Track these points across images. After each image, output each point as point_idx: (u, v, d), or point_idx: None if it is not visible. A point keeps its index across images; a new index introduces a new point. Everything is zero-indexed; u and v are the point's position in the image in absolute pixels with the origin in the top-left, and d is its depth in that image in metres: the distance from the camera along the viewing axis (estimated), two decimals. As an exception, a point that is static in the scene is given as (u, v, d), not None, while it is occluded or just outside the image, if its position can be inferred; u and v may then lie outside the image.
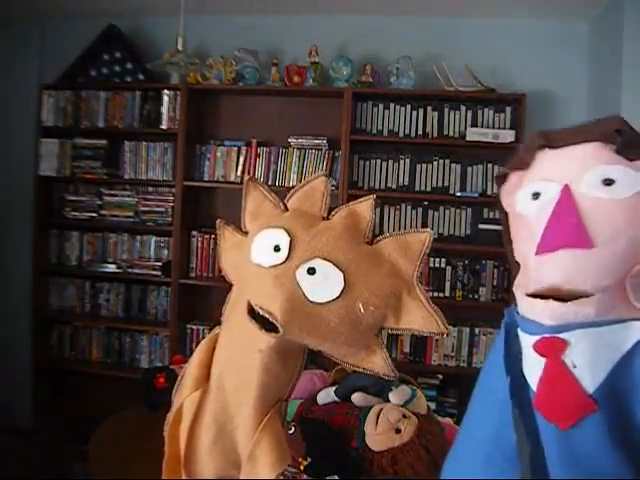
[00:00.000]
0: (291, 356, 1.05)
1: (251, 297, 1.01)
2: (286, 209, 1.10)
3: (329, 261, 0.98)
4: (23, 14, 3.30)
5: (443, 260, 2.99)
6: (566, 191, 0.76)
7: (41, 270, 3.29)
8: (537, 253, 0.77)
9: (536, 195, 0.81)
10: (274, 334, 0.96)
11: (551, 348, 0.75)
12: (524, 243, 0.82)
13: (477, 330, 2.96)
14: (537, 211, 0.79)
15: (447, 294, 2.99)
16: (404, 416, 1.46)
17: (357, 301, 0.97)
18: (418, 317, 0.98)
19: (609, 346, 0.73)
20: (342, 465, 1.39)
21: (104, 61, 3.18)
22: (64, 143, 3.21)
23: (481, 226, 2.94)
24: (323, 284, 0.97)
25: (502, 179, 0.92)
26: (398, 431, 1.43)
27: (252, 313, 1.00)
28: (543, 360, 0.76)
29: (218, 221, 1.20)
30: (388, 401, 1.58)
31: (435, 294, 2.98)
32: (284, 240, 1.00)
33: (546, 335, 0.75)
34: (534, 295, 0.77)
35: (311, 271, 0.97)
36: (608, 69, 2.71)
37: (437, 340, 2.96)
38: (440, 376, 2.96)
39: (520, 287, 0.81)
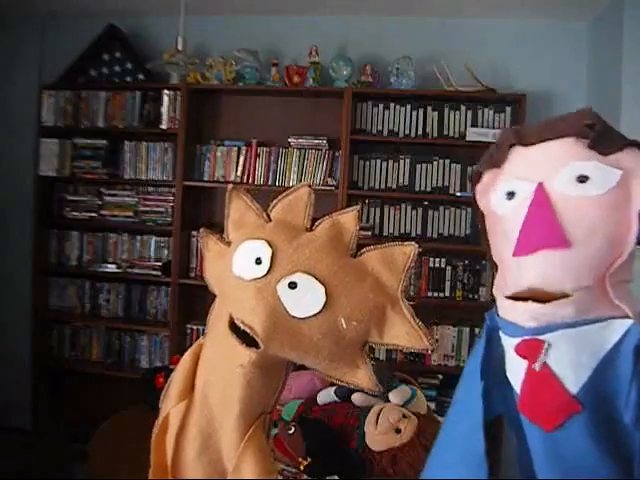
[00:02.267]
0: (273, 370, 1.03)
1: (233, 310, 0.99)
2: (269, 219, 1.08)
3: (311, 275, 0.95)
4: (23, 14, 3.30)
5: (443, 260, 2.99)
6: (540, 190, 0.74)
7: (41, 270, 3.29)
8: (515, 254, 0.75)
9: (510, 195, 0.79)
10: (255, 349, 0.95)
11: (532, 350, 0.74)
12: (501, 243, 0.81)
13: (477, 330, 2.96)
14: (512, 211, 0.78)
15: (447, 294, 2.99)
16: (404, 416, 1.46)
17: (339, 316, 0.94)
18: (402, 332, 0.95)
19: (591, 345, 0.72)
20: (342, 465, 1.39)
21: (104, 61, 3.18)
22: (64, 143, 3.21)
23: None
24: (304, 299, 0.94)
25: (476, 179, 0.91)
26: (398, 431, 1.43)
27: (234, 326, 0.98)
28: (525, 362, 0.75)
29: (201, 230, 1.16)
30: (388, 401, 1.58)
31: (435, 294, 2.98)
32: (265, 253, 0.98)
33: (526, 337, 0.74)
34: (514, 297, 0.76)
35: (292, 285, 0.94)
36: (608, 69, 2.71)
37: (437, 340, 2.96)
38: (440, 376, 2.96)
39: (499, 289, 0.80)
